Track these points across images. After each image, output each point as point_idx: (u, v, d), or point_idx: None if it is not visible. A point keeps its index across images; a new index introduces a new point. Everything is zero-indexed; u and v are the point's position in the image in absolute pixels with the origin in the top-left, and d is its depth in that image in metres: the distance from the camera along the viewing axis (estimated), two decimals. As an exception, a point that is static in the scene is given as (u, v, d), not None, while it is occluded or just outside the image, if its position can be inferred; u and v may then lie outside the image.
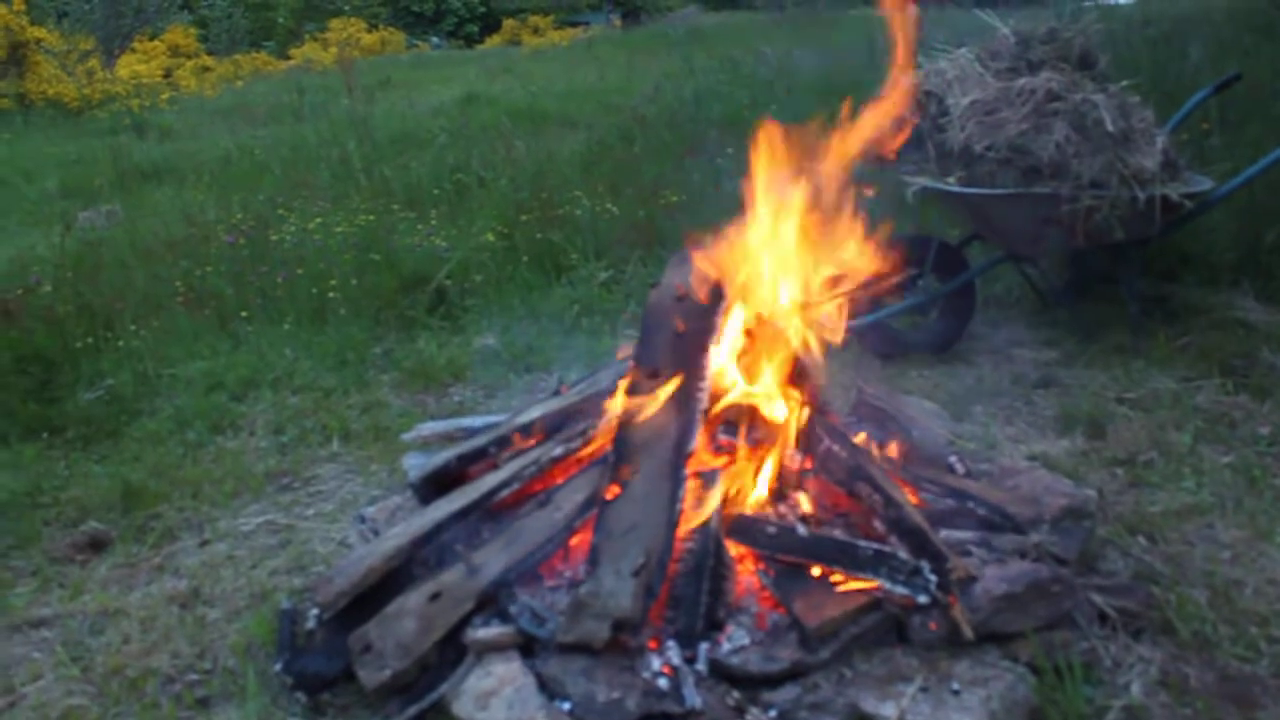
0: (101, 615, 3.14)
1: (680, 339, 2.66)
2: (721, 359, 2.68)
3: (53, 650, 2.99)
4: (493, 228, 6.10)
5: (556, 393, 3.10)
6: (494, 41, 39.59)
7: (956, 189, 4.18)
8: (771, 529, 2.49)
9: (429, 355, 4.83)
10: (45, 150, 13.16)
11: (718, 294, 2.72)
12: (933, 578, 2.31)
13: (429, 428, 3.25)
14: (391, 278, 5.48)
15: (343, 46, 32.95)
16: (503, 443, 2.84)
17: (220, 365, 4.85)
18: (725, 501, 2.52)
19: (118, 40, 24.66)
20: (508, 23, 41.86)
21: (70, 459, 4.22)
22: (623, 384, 2.66)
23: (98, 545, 3.57)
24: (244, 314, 5.38)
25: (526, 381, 4.58)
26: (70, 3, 23.95)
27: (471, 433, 3.05)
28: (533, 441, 2.82)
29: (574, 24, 40.87)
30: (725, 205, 5.98)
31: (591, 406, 2.81)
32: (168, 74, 26.39)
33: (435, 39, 43.26)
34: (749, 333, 2.74)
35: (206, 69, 28.90)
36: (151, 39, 28.78)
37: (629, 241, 5.79)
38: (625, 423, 2.54)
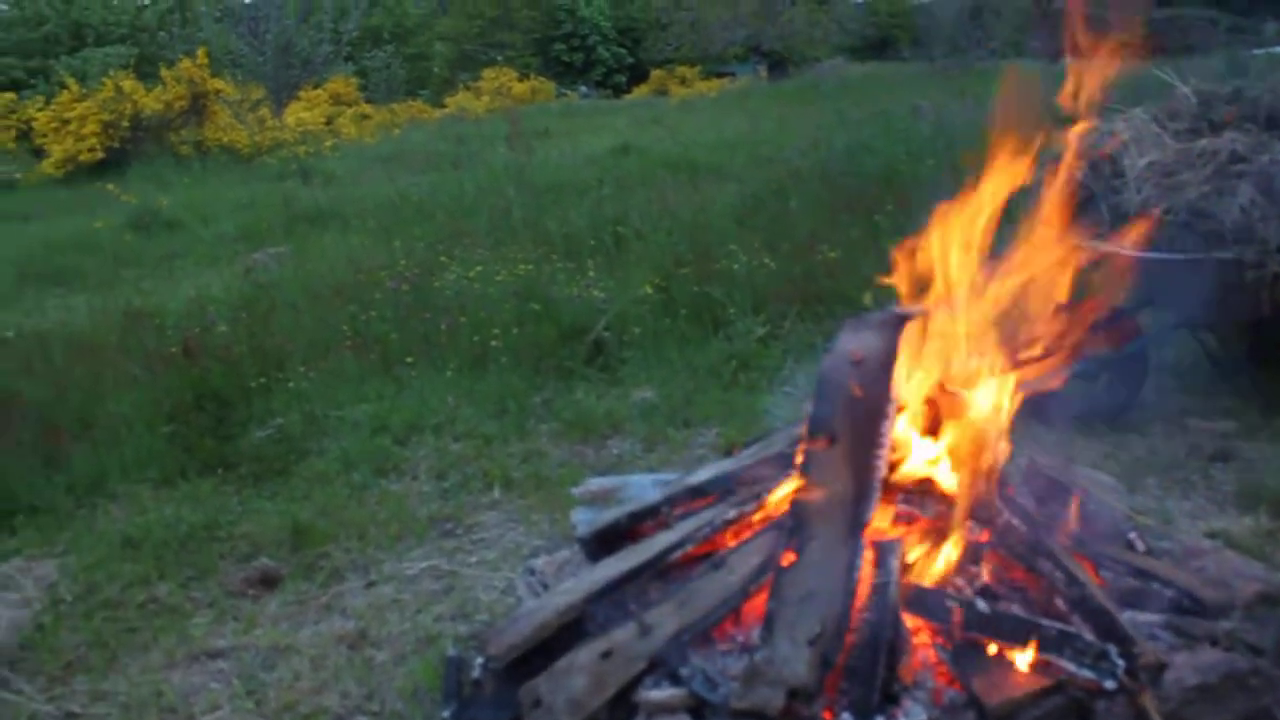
0: (274, 650, 3.25)
1: (856, 404, 2.63)
2: (900, 426, 2.64)
3: (229, 682, 3.11)
4: (650, 280, 6.15)
5: (728, 453, 3.09)
6: (641, 91, 40.22)
7: (1133, 253, 4.05)
8: (951, 603, 2.43)
9: (587, 406, 4.88)
10: (220, 194, 13.81)
11: (894, 359, 2.68)
12: (1120, 662, 2.22)
13: (597, 483, 3.28)
14: (551, 328, 5.57)
15: (495, 95, 33.87)
16: (674, 502, 2.84)
17: (385, 409, 4.99)
18: (903, 572, 2.47)
19: (286, 90, 25.82)
20: (655, 73, 42.47)
21: (243, 495, 4.38)
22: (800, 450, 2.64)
23: (269, 581, 3.68)
24: (408, 360, 5.53)
25: (684, 436, 4.59)
26: (244, 55, 25.22)
27: (640, 490, 3.06)
28: (705, 502, 2.81)
29: (720, 75, 41.20)
30: (885, 263, 5.93)
31: (765, 469, 2.80)
32: (329, 121, 27.51)
33: (584, 88, 44.16)
34: (928, 400, 2.70)
35: (365, 116, 30.03)
36: (315, 88, 30.04)
37: (786, 297, 5.77)
38: (803, 490, 2.52)
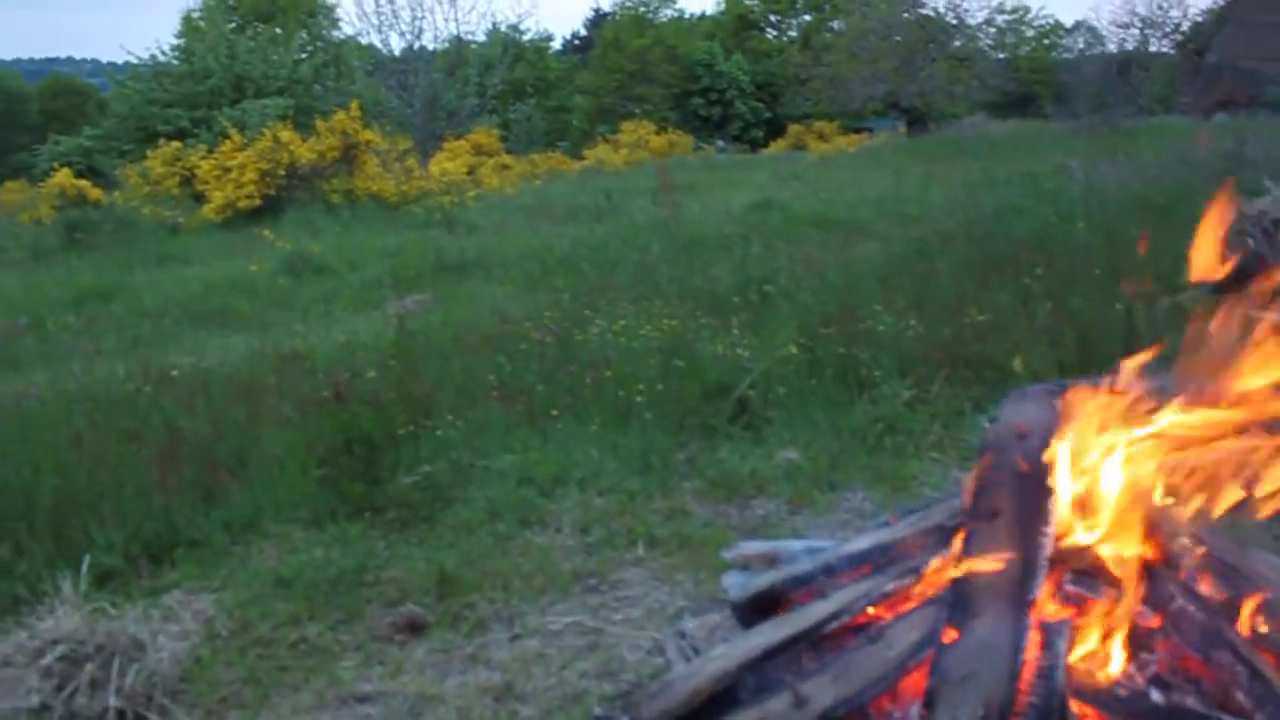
0: (420, 699, 3.28)
1: (1022, 480, 2.56)
2: (1068, 503, 2.55)
3: (377, 728, 3.15)
4: (795, 339, 6.11)
5: (885, 523, 3.03)
6: (778, 146, 40.37)
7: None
8: (1123, 691, 2.33)
9: (731, 465, 4.84)
10: (367, 242, 14.26)
11: (1061, 432, 2.61)
12: (1312, 767, 2.09)
13: (750, 547, 3.25)
14: (695, 385, 5.56)
15: (633, 148, 34.34)
16: (830, 571, 2.79)
17: (530, 460, 5.02)
18: (1070, 656, 2.38)
19: (431, 141, 26.64)
20: (793, 128, 42.61)
21: (390, 540, 4.44)
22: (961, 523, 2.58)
23: (415, 628, 3.73)
24: (553, 412, 5.57)
25: (830, 499, 4.52)
26: (393, 107, 26.14)
27: (793, 556, 3.02)
28: (862, 572, 2.76)
29: (858, 130, 41.12)
30: (1036, 328, 5.77)
31: (924, 541, 2.74)
32: (471, 171, 28.26)
33: (721, 142, 44.58)
34: (1097, 477, 2.60)
35: (506, 167, 30.79)
36: (458, 139, 30.89)
37: (933, 360, 5.66)
38: (966, 565, 2.45)
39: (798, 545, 3.16)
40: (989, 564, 2.46)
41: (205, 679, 3.42)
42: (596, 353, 6.27)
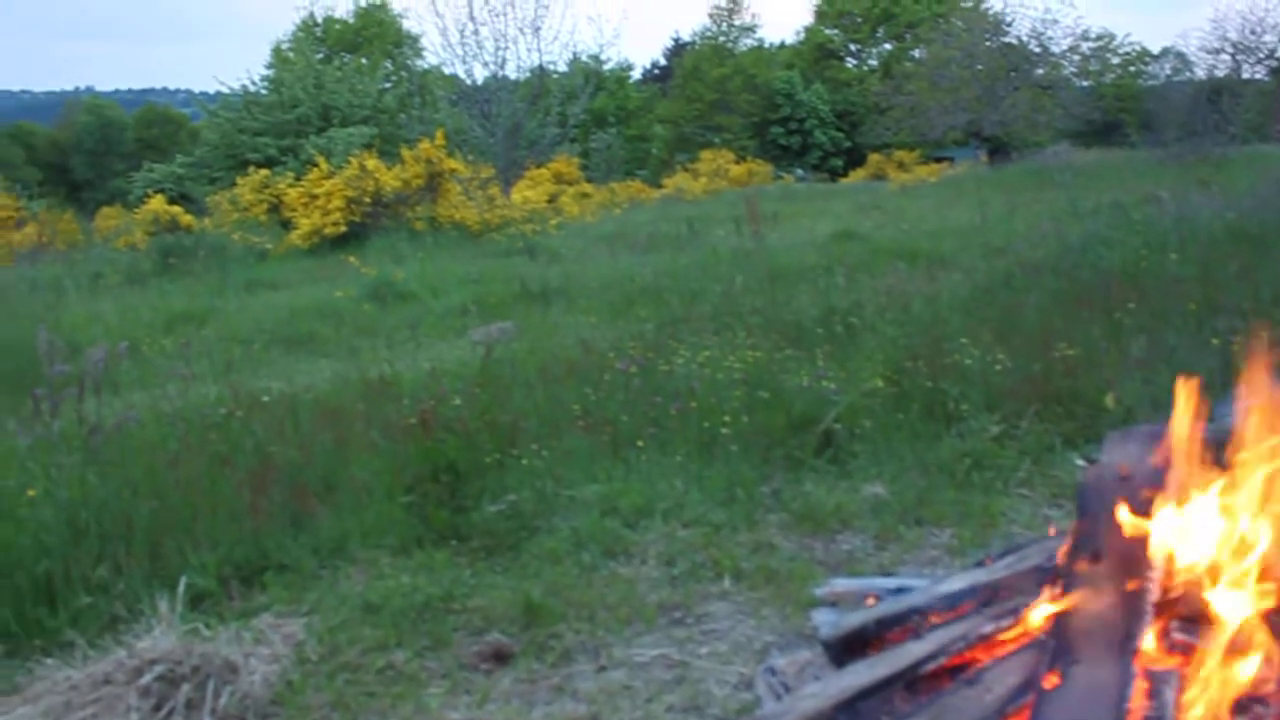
0: (507, 728, 3.29)
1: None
2: (1174, 547, 2.49)
3: (461, 758, 3.15)
4: (880, 372, 6.05)
5: (980, 564, 2.99)
6: (858, 175, 40.23)
7: None
8: (1233, 744, 2.26)
9: (817, 499, 4.80)
10: (449, 269, 14.44)
11: (1166, 474, 2.55)
12: None
13: (841, 584, 3.23)
14: (780, 417, 5.52)
15: (712, 177, 34.44)
16: (925, 610, 2.75)
17: (614, 490, 5.02)
18: (1178, 707, 2.31)
19: (513, 169, 26.98)
20: (872, 157, 42.44)
21: (475, 568, 4.45)
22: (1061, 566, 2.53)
23: (501, 657, 3.73)
24: (638, 443, 5.56)
25: (916, 535, 4.46)
26: (475, 135, 26.53)
27: (885, 594, 2.99)
28: (957, 613, 2.72)
29: (939, 159, 40.82)
30: (1129, 363, 5.65)
31: (1022, 582, 2.69)
32: (552, 199, 28.57)
33: (800, 171, 44.54)
34: (1205, 520, 2.54)
35: (586, 195, 31.09)
36: (538, 167, 31.22)
37: (1023, 395, 5.57)
38: (1067, 609, 2.41)
39: (890, 583, 3.12)
40: (1092, 608, 2.41)
41: (295, 703, 3.46)
42: (681, 383, 6.25)
